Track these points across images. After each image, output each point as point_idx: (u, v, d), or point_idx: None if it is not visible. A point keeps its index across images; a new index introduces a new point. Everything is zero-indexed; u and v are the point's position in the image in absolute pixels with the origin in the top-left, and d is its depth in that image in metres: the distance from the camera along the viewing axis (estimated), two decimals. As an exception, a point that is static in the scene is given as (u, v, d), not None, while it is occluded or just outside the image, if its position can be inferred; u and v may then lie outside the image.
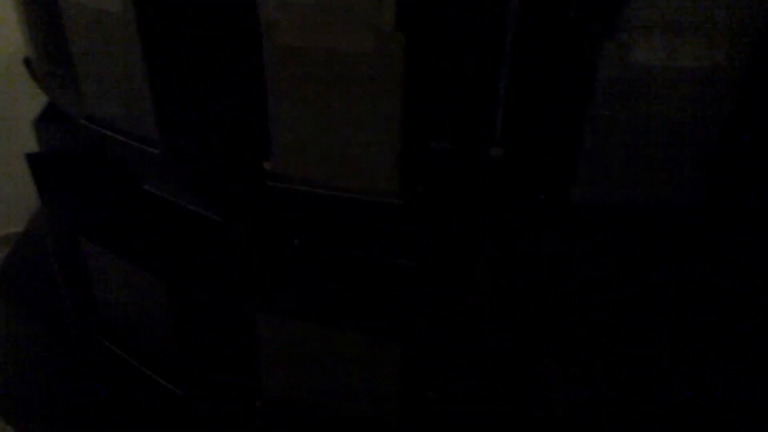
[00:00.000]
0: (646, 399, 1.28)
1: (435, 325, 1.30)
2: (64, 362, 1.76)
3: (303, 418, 1.45)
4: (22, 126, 1.82)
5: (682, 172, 1.04)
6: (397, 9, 0.97)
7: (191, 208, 1.40)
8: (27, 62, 1.63)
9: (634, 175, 1.04)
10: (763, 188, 1.10)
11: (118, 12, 1.14)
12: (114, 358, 1.69)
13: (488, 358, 1.33)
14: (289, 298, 1.35)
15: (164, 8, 1.15)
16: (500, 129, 1.07)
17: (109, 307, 1.68)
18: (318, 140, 1.10)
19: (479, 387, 1.36)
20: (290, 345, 1.39)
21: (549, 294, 1.22)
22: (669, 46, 0.93)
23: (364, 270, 1.26)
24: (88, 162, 1.63)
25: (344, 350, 1.36)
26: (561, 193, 1.07)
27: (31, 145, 1.77)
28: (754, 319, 1.19)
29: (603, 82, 0.96)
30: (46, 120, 1.72)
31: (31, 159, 1.69)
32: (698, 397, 1.25)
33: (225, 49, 1.15)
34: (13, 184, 2.22)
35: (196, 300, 1.50)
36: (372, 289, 1.28)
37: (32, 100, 1.79)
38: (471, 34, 1.02)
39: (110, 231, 1.57)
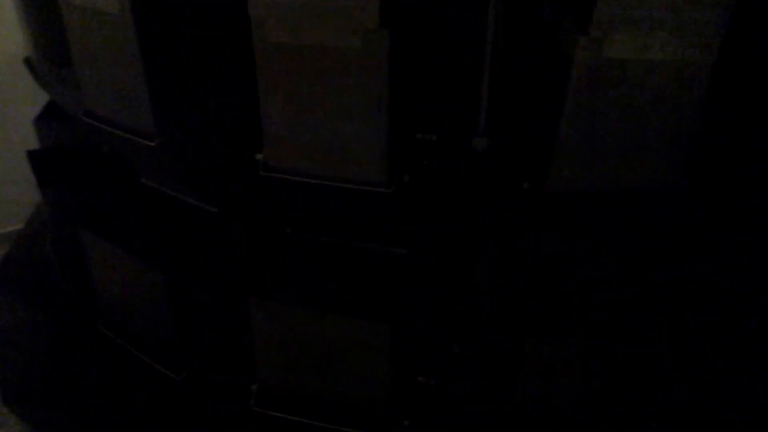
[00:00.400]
0: (621, 380, 1.31)
1: (425, 310, 1.32)
2: (64, 351, 1.76)
3: (297, 402, 1.46)
4: (23, 125, 1.81)
5: (653, 162, 1.07)
6: (381, 7, 0.99)
7: (187, 199, 1.41)
8: (28, 61, 1.63)
9: (607, 164, 1.07)
10: (735, 177, 1.14)
11: (115, 12, 1.16)
12: (113, 346, 1.69)
13: (478, 343, 1.35)
14: (282, 285, 1.35)
15: (159, 9, 1.17)
16: (483, 121, 1.09)
17: (107, 297, 1.69)
18: (308, 132, 1.12)
19: (469, 372, 1.38)
20: (284, 330, 1.41)
21: (534, 278, 1.24)
22: (640, 41, 0.96)
23: (354, 257, 1.27)
24: (87, 157, 1.62)
25: (337, 336, 1.37)
26: (543, 182, 1.09)
27: (32, 143, 1.77)
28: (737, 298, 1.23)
29: (578, 76, 0.99)
30: (46, 117, 1.72)
31: (32, 155, 1.69)
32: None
33: (218, 46, 1.17)
34: (13, 182, 2.22)
35: (192, 288, 1.51)
36: (363, 276, 1.29)
37: (33, 99, 1.77)
38: (453, 30, 1.05)
39: (109, 223, 1.57)
